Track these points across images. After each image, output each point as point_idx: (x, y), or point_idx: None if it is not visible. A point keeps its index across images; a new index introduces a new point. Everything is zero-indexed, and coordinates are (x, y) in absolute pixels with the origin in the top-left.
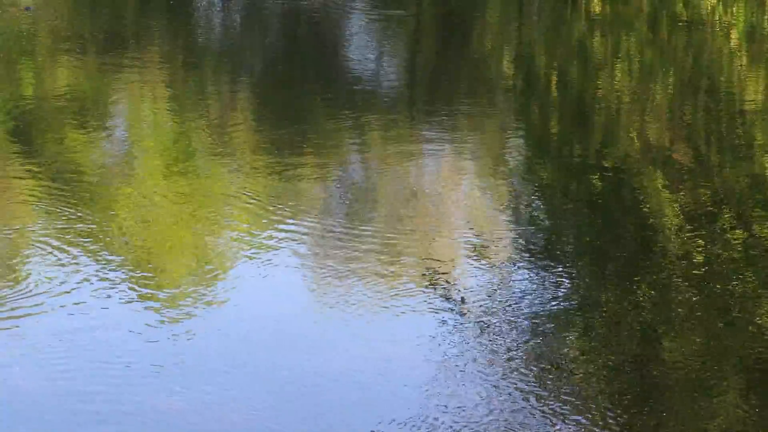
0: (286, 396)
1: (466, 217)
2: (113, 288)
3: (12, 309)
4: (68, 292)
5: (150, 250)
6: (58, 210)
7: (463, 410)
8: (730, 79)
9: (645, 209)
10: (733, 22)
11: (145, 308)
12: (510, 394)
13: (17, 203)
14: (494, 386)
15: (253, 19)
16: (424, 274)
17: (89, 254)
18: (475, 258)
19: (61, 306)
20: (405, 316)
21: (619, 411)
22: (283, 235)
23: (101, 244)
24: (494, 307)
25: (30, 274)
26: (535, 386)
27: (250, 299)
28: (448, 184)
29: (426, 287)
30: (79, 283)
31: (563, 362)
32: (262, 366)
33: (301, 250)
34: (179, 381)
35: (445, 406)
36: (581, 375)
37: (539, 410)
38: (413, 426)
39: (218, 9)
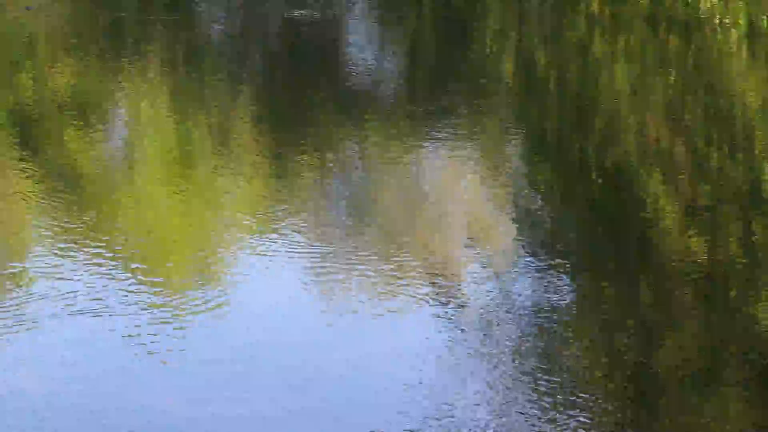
0: (286, 396)
1: (466, 218)
2: (113, 288)
3: (11, 310)
4: (67, 293)
5: (150, 251)
6: (58, 210)
7: (464, 410)
8: (730, 79)
9: (645, 209)
10: (731, 22)
11: (146, 309)
12: (510, 394)
13: (17, 204)
14: (494, 387)
15: (252, 21)
16: (424, 275)
17: (89, 256)
18: (475, 258)
19: (61, 306)
20: (405, 316)
21: (619, 411)
22: (283, 236)
23: (101, 245)
24: (494, 307)
25: (29, 274)
26: (535, 386)
27: (251, 300)
28: (448, 185)
29: (426, 287)
30: (78, 284)
31: (563, 362)
32: (263, 367)
33: (302, 251)
34: (179, 381)
35: (445, 406)
36: (581, 375)
37: (539, 410)
38: (413, 426)
39: (219, 10)
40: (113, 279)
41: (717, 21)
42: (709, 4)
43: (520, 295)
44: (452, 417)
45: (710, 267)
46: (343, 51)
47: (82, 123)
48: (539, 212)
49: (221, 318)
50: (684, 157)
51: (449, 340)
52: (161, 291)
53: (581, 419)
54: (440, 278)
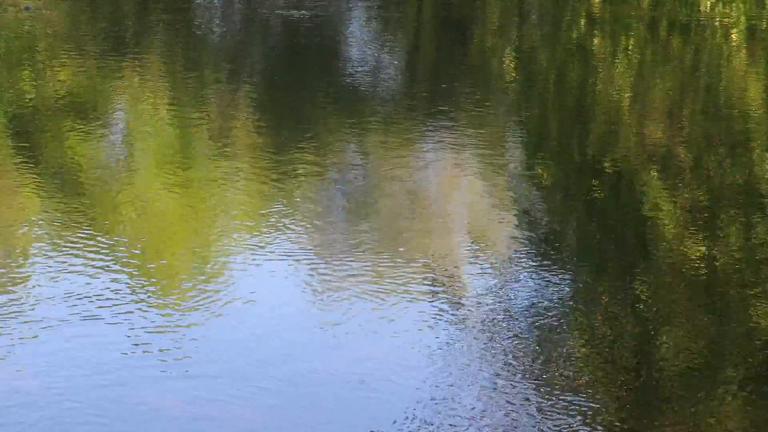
0: (286, 396)
1: (466, 218)
2: (113, 290)
3: (12, 310)
4: (67, 295)
5: (150, 252)
6: (59, 211)
7: (463, 410)
8: (730, 79)
9: (645, 209)
10: (733, 21)
11: (146, 310)
12: (510, 394)
13: (17, 204)
14: (494, 386)
15: (252, 21)
16: (424, 275)
17: (89, 256)
18: (475, 258)
19: (61, 307)
20: (405, 316)
21: (619, 411)
22: (283, 237)
23: (102, 246)
24: (494, 307)
25: (30, 275)
26: (535, 386)
27: (251, 301)
28: (448, 185)
29: (426, 288)
30: (78, 285)
31: (564, 362)
32: (263, 367)
33: (302, 251)
34: (179, 382)
35: (445, 406)
36: (581, 375)
37: (539, 410)
38: (413, 426)
39: (218, 11)
40: (113, 280)
41: (717, 21)
42: (709, 5)
43: (520, 294)
44: (452, 417)
45: (710, 267)
46: (343, 51)
47: (82, 123)
48: (539, 212)
49: (222, 319)
50: (684, 156)
51: (449, 340)
52: (162, 292)
53: (581, 419)
54: (440, 278)
